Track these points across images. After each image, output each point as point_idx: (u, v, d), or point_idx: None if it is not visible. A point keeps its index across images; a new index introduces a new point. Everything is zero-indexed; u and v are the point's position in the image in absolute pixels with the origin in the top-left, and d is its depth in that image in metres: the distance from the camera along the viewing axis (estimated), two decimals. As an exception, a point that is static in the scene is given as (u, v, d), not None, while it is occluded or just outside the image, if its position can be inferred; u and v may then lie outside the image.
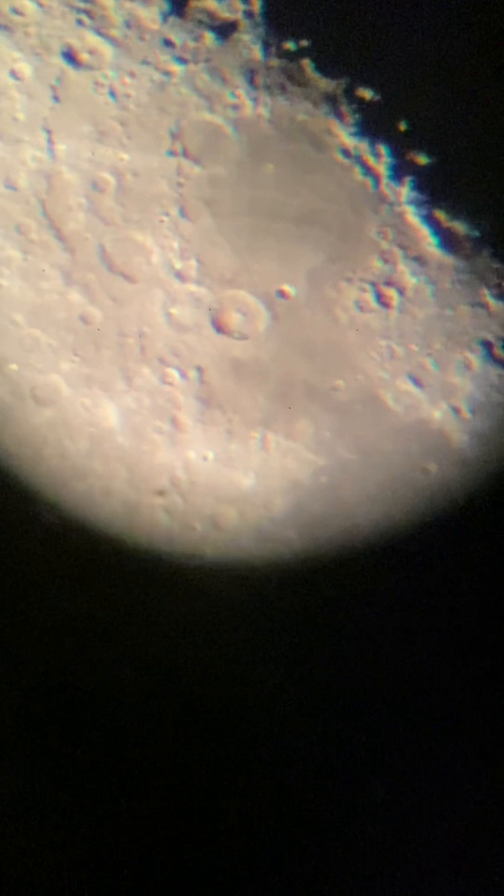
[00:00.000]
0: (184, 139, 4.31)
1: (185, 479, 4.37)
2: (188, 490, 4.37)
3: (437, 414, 4.38)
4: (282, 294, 4.35)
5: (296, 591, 4.40)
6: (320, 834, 4.51)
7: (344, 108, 4.28)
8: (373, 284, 4.34)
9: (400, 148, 4.30)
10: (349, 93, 4.28)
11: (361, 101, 4.28)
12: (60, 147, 4.33)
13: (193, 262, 4.35)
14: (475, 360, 4.37)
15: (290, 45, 4.27)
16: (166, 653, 4.45)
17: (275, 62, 4.27)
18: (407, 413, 4.38)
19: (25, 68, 4.31)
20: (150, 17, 4.28)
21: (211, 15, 4.28)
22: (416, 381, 4.37)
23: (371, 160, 4.29)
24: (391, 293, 4.34)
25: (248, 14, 4.27)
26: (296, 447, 4.37)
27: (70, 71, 4.31)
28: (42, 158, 4.34)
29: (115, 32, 4.28)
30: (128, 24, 4.28)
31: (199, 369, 4.37)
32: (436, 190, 4.31)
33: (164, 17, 4.28)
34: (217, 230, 4.34)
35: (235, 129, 4.30)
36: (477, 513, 4.41)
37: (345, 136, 4.29)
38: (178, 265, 4.35)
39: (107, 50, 4.29)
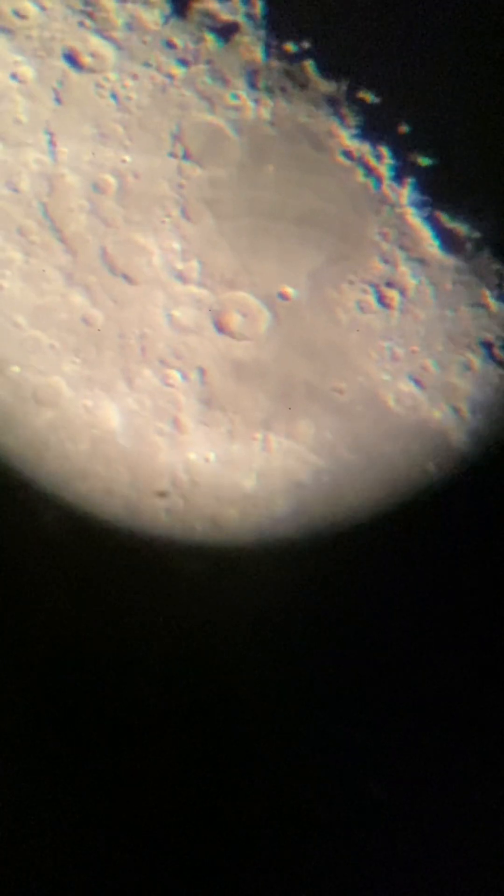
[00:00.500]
0: (185, 141, 4.32)
1: (186, 480, 4.37)
2: (189, 491, 4.37)
3: (438, 415, 4.38)
4: (283, 295, 4.36)
5: (297, 592, 4.40)
6: (319, 834, 4.50)
7: (345, 110, 4.29)
8: (374, 286, 4.34)
9: (401, 149, 4.31)
10: (350, 95, 4.29)
11: (363, 102, 4.29)
12: (62, 149, 4.34)
13: (195, 264, 4.36)
14: (476, 360, 4.37)
15: (291, 47, 4.28)
16: (167, 653, 4.44)
17: (276, 64, 4.28)
18: (408, 414, 4.38)
19: (27, 71, 4.33)
20: (152, 19, 4.29)
21: (212, 17, 4.29)
22: (418, 382, 4.37)
23: (372, 162, 4.30)
24: (392, 294, 4.34)
25: (250, 16, 4.28)
26: (297, 448, 4.37)
27: (72, 73, 4.32)
28: (44, 161, 4.35)
29: (116, 35, 4.30)
30: (129, 27, 4.30)
31: (201, 370, 4.37)
32: (437, 191, 4.32)
33: (166, 18, 4.29)
34: (218, 232, 4.34)
35: (237, 130, 4.31)
36: (478, 512, 4.41)
37: (346, 137, 4.30)
38: (179, 267, 4.36)
39: (108, 52, 4.30)
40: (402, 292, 4.35)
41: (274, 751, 4.50)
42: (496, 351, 4.37)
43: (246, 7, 4.28)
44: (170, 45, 4.29)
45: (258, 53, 4.28)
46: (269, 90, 4.29)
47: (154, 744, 4.48)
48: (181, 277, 4.36)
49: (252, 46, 4.28)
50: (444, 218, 4.33)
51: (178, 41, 4.29)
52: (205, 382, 4.37)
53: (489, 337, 4.37)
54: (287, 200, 4.32)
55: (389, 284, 4.34)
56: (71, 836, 4.50)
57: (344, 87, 4.28)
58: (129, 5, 4.30)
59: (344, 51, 4.27)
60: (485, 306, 4.36)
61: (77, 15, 4.30)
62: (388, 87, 4.29)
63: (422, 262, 4.34)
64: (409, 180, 4.31)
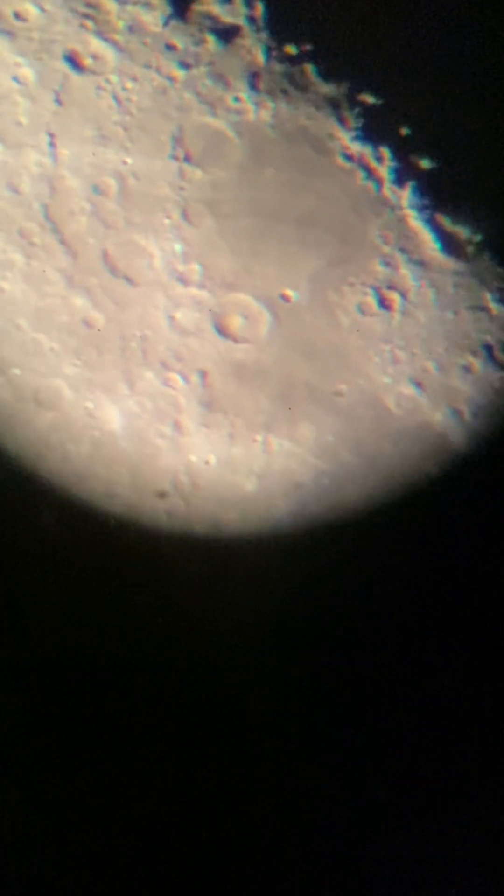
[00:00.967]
0: (186, 143, 4.32)
1: (187, 482, 4.37)
2: (190, 493, 4.37)
3: (439, 417, 4.38)
4: (284, 297, 4.36)
5: (298, 594, 4.41)
6: (319, 834, 4.51)
7: (346, 113, 4.29)
8: (375, 288, 4.34)
9: (402, 152, 4.30)
10: (351, 97, 4.29)
11: (363, 105, 4.29)
12: (63, 151, 4.34)
13: (196, 266, 4.36)
14: (477, 363, 4.37)
15: (292, 50, 4.28)
16: (167, 653, 4.45)
17: (277, 66, 4.28)
18: (409, 416, 4.39)
19: (28, 73, 4.32)
20: (153, 21, 4.29)
21: (213, 19, 4.29)
22: (418, 385, 4.37)
23: (373, 164, 4.30)
24: (393, 297, 4.34)
25: (251, 18, 4.28)
26: (298, 450, 4.38)
27: (73, 75, 4.31)
28: (45, 163, 4.35)
29: (117, 37, 4.29)
30: (130, 29, 4.29)
31: (202, 373, 4.37)
32: (438, 194, 4.32)
33: (167, 21, 4.29)
34: (219, 234, 4.34)
35: (237, 133, 4.31)
36: (478, 514, 4.41)
37: (347, 140, 4.30)
38: (180, 269, 4.36)
39: (109, 54, 4.30)
40: (403, 295, 4.35)
41: (274, 750, 4.51)
42: (497, 353, 4.37)
43: (247, 9, 4.28)
44: (171, 47, 4.29)
45: (259, 56, 4.27)
46: (270, 92, 4.28)
47: (154, 743, 4.49)
48: (182, 280, 4.36)
49: (253, 49, 4.27)
50: (445, 220, 4.33)
51: (178, 43, 4.29)
52: (205, 385, 4.38)
53: (490, 340, 4.37)
54: (288, 203, 4.32)
55: (390, 287, 4.34)
56: (71, 836, 4.50)
57: (345, 90, 4.28)
58: (130, 7, 4.30)
59: (344, 53, 4.27)
60: (485, 309, 4.36)
61: (78, 17, 4.29)
62: (389, 89, 4.29)
63: (422, 264, 4.34)
64: (410, 183, 4.31)
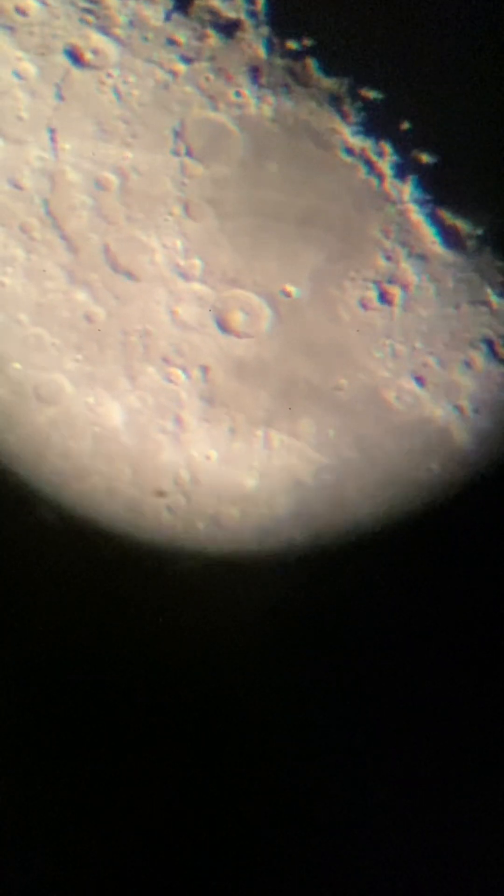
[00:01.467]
0: (187, 138, 4.32)
1: (188, 478, 4.37)
2: (191, 489, 4.37)
3: (440, 412, 4.38)
4: (285, 293, 4.35)
5: (299, 590, 4.40)
6: (319, 834, 4.50)
7: (348, 107, 4.29)
8: (376, 283, 4.34)
9: (403, 147, 4.30)
10: (353, 92, 4.29)
11: (365, 99, 4.29)
12: (64, 146, 4.34)
13: (197, 261, 4.35)
14: (478, 358, 4.37)
15: (293, 44, 4.28)
16: (168, 652, 4.44)
17: (278, 61, 4.28)
18: (410, 412, 4.38)
19: (29, 68, 4.32)
20: (154, 15, 4.29)
21: (215, 14, 4.29)
22: (419, 380, 4.37)
23: (375, 159, 4.30)
24: (394, 291, 4.34)
25: (252, 13, 4.28)
26: (299, 446, 4.37)
27: (74, 70, 4.31)
28: (46, 158, 4.35)
29: (118, 31, 4.30)
30: (132, 23, 4.29)
31: (203, 368, 4.37)
32: (439, 188, 4.31)
33: (168, 15, 4.29)
34: (220, 229, 4.34)
35: (239, 127, 4.31)
36: (480, 510, 4.41)
37: (348, 134, 4.30)
38: (181, 264, 4.36)
39: (111, 49, 4.30)
40: (404, 289, 4.34)
41: (273, 750, 4.50)
42: (498, 348, 4.37)
43: (248, 4, 4.28)
44: (172, 41, 4.29)
45: (261, 50, 4.27)
46: (272, 87, 4.29)
47: (154, 743, 4.49)
48: (183, 275, 4.36)
49: (254, 43, 4.27)
50: (447, 215, 4.33)
51: (180, 38, 4.29)
52: (207, 380, 4.37)
53: (491, 334, 4.37)
54: (289, 198, 4.32)
55: (391, 282, 4.34)
56: (71, 835, 4.50)
57: (346, 85, 4.28)
58: (132, 2, 4.30)
59: (346, 48, 4.27)
60: (487, 303, 4.36)
61: (79, 12, 4.29)
62: (391, 84, 4.29)
63: (424, 259, 4.34)
64: (412, 177, 4.30)
